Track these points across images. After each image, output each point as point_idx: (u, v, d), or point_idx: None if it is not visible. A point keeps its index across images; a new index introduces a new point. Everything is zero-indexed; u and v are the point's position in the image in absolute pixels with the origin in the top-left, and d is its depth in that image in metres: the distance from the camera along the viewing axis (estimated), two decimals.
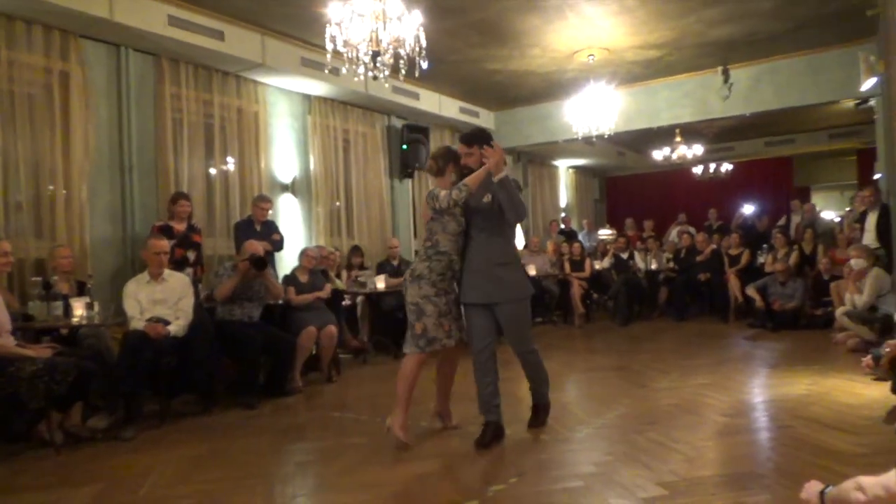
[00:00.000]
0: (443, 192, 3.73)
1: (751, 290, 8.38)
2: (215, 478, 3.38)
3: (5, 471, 3.63)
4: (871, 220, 7.18)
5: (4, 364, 3.76)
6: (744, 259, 9.19)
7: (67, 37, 5.43)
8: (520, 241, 11.10)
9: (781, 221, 10.52)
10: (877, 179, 8.46)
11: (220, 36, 6.17)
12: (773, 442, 3.69)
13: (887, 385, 4.11)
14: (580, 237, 11.81)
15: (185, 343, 4.64)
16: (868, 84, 6.73)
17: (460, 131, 10.28)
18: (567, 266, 9.80)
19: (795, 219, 10.19)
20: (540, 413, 4.17)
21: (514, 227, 4.07)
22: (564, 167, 13.86)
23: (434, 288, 3.78)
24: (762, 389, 5.06)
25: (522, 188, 4.07)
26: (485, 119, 10.22)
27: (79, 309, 4.43)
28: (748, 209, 12.10)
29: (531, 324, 4.20)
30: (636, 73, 8.64)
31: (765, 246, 9.28)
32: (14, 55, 5.11)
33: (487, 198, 3.82)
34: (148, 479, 3.38)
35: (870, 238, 7.12)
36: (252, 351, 5.07)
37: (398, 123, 9.04)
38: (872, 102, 8.03)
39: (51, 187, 5.37)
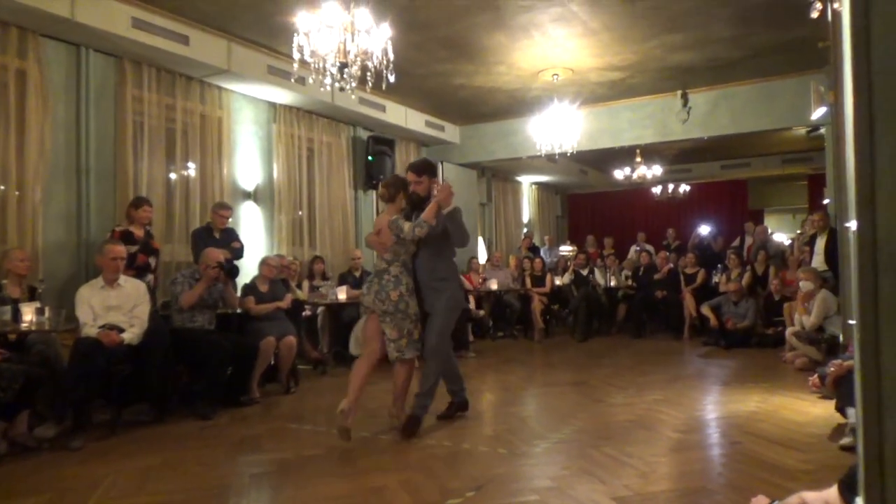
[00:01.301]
0: (406, 226, 4.22)
1: (705, 309, 8.59)
2: (167, 489, 3.31)
3: None
4: (820, 243, 7.45)
5: None
6: (699, 278, 9.43)
7: (26, 34, 5.30)
8: (482, 256, 11.20)
9: (735, 243, 10.82)
10: (826, 204, 8.79)
11: (184, 40, 6.09)
12: (723, 458, 3.80)
13: (832, 403, 4.26)
14: (542, 253, 11.95)
15: (139, 351, 4.55)
16: (818, 113, 6.99)
17: (426, 144, 10.43)
18: (528, 281, 9.91)
19: (749, 240, 10.49)
20: (413, 423, 4.34)
21: (454, 248, 4.57)
22: (527, 183, 14.02)
23: (415, 300, 4.35)
24: (714, 406, 5.18)
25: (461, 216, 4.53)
26: (450, 133, 10.30)
27: (28, 314, 4.28)
28: (704, 230, 12.42)
29: (450, 331, 4.56)
30: (599, 93, 8.82)
31: (719, 266, 9.54)
32: None
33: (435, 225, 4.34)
34: (96, 490, 3.29)
35: (818, 261, 7.37)
36: (220, 359, 4.98)
37: (364, 135, 9.04)
38: (823, 130, 8.34)
39: (2, 188, 5.21)
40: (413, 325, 4.31)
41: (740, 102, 8.54)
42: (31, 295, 4.68)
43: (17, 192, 5.26)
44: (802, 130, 9.60)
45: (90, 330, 4.40)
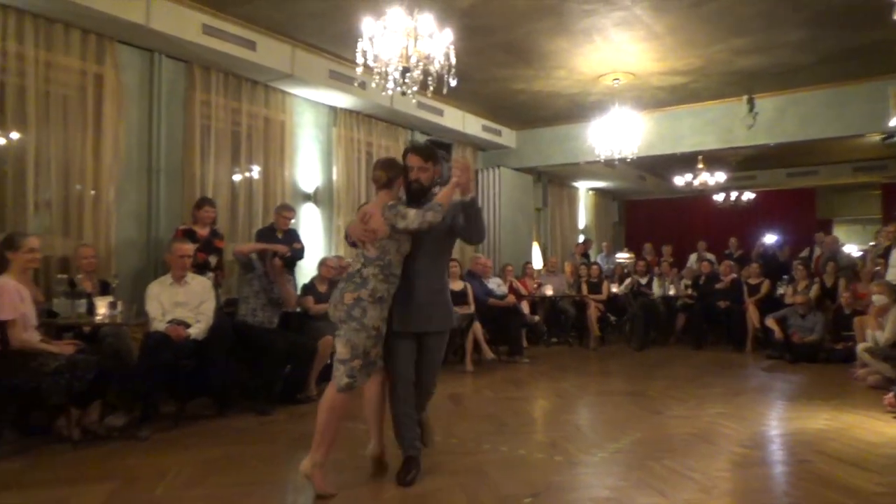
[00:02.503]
0: (412, 211, 3.34)
1: (770, 321, 8.29)
2: (229, 482, 3.40)
3: (23, 464, 3.68)
4: None
5: (28, 358, 3.82)
6: (763, 289, 9.11)
7: (103, 41, 5.54)
8: (537, 262, 11.11)
9: (804, 253, 10.41)
10: None
11: (251, 46, 6.26)
12: (790, 476, 3.65)
13: None
14: (598, 259, 11.78)
15: (203, 346, 4.69)
16: None
17: (483, 149, 10.42)
18: (584, 287, 9.77)
19: (819, 251, 10.10)
20: (412, 468, 3.51)
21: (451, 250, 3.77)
22: (584, 188, 13.86)
23: (379, 312, 3.37)
24: (780, 422, 4.99)
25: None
26: (507, 138, 10.26)
27: (102, 308, 4.49)
28: (769, 239, 12.02)
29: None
30: (661, 98, 8.65)
31: (785, 277, 9.20)
32: (51, 57, 5.22)
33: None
34: (163, 479, 3.40)
35: (893, 274, 7.03)
36: (275, 358, 5.09)
37: (421, 138, 9.09)
38: None
39: (79, 187, 5.46)
40: (371, 342, 3.32)
41: (809, 108, 8.23)
42: (104, 289, 4.89)
43: (93, 192, 5.50)
44: (876, 137, 9.18)
45: (159, 325, 4.56)
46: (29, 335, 3.93)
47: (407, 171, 3.60)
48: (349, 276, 3.42)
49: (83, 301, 4.53)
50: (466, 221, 3.49)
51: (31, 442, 4.06)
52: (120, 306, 4.53)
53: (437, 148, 3.89)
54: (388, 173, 3.55)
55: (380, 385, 3.56)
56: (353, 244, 3.51)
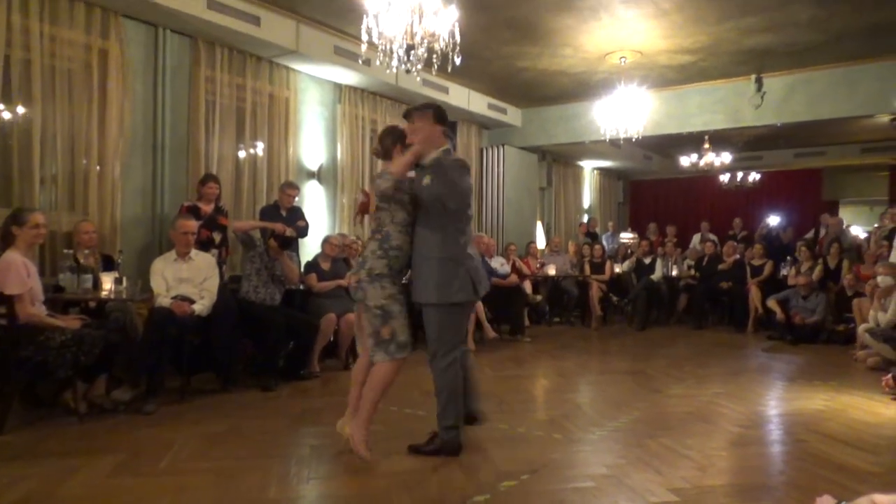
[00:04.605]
0: (382, 177, 3.39)
1: (772, 303, 8.31)
2: (233, 455, 3.46)
3: (31, 436, 3.75)
4: None
5: (35, 332, 3.88)
6: (766, 270, 9.12)
7: (108, 15, 5.51)
8: (540, 241, 11.11)
9: (809, 234, 10.38)
10: None
11: (256, 21, 6.22)
12: (786, 455, 3.70)
13: None
14: (604, 239, 11.78)
15: (207, 322, 4.73)
16: None
17: (487, 127, 10.38)
18: (587, 268, 9.79)
19: (824, 232, 10.08)
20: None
21: (457, 217, 3.44)
22: (589, 168, 13.81)
23: (396, 287, 3.42)
24: (778, 402, 5.03)
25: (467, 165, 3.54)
26: (512, 116, 10.21)
27: (107, 283, 4.53)
28: (773, 220, 11.98)
29: (451, 332, 3.50)
30: (668, 77, 8.58)
31: (788, 258, 9.20)
32: (56, 31, 5.20)
33: (427, 181, 3.36)
34: (168, 452, 3.47)
35: None
36: (276, 335, 5.14)
37: None
38: None
39: (85, 162, 5.47)
40: (379, 321, 3.36)
41: (819, 88, 8.16)
42: (106, 265, 4.93)
43: (98, 167, 5.52)
44: (885, 118, 9.12)
45: (163, 300, 4.60)
46: (36, 309, 3.97)
47: (404, 136, 3.51)
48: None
49: (89, 276, 4.58)
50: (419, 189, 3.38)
51: (38, 414, 4.14)
52: (125, 282, 4.57)
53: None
54: (382, 143, 3.57)
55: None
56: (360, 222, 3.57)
